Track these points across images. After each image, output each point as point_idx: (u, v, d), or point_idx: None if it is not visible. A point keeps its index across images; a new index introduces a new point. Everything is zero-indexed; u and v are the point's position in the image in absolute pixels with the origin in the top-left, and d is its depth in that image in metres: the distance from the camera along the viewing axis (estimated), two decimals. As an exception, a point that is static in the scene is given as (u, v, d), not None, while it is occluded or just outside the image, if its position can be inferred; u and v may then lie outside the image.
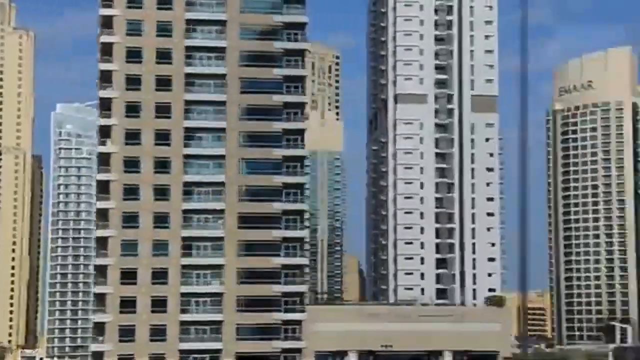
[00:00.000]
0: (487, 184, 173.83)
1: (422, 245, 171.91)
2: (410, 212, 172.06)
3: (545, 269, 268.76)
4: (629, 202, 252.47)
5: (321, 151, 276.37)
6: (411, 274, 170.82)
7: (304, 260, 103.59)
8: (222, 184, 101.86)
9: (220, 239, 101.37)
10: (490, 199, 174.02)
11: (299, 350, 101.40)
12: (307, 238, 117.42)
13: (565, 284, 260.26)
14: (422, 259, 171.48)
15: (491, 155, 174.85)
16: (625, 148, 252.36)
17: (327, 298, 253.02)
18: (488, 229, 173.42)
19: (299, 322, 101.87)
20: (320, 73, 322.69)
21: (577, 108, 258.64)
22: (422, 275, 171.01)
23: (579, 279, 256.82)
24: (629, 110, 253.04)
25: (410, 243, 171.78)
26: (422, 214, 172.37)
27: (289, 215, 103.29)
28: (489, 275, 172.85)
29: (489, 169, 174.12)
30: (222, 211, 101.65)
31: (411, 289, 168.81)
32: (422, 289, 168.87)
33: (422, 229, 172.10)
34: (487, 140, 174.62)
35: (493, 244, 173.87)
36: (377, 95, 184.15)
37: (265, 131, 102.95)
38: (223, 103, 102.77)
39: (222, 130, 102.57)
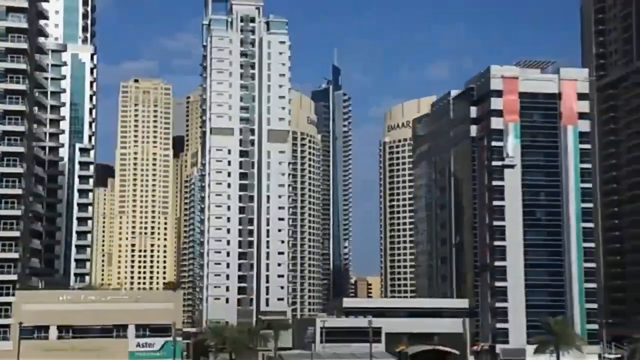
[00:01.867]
0: (279, 196, 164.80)
1: (228, 242, 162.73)
2: (220, 217, 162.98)
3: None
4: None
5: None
6: (220, 264, 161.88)
7: (16, 255, 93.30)
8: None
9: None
10: (281, 208, 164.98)
11: (7, 326, 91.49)
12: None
13: (389, 270, 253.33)
14: (227, 252, 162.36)
15: (282, 174, 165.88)
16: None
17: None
18: (279, 230, 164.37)
19: (9, 304, 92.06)
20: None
21: (399, 141, 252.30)
22: (228, 264, 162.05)
23: (398, 266, 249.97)
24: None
25: (220, 240, 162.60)
26: (228, 218, 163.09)
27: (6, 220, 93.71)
28: (279, 265, 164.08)
29: (281, 185, 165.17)
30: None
31: (219, 275, 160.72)
32: (227, 275, 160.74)
33: (228, 230, 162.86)
34: (279, 163, 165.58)
35: (283, 241, 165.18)
36: (202, 128, 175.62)
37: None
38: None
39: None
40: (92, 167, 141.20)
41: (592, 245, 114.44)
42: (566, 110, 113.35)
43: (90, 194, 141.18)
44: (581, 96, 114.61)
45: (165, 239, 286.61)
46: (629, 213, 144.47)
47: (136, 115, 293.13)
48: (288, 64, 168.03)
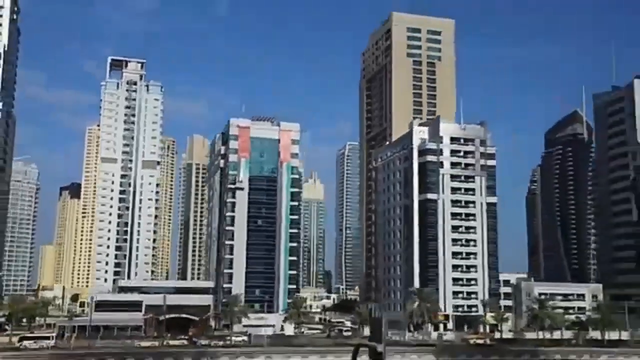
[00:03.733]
0: (148, 207, 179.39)
1: (108, 239, 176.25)
2: (103, 221, 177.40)
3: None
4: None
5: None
6: (100, 254, 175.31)
7: None
8: None
9: None
10: (150, 215, 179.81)
11: None
12: None
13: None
14: (107, 246, 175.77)
15: (152, 191, 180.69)
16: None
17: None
18: (147, 231, 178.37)
19: None
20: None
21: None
22: (107, 254, 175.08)
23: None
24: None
25: (102, 237, 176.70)
26: (109, 221, 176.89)
27: None
28: (145, 255, 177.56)
29: (150, 199, 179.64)
30: None
31: (100, 262, 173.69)
32: (107, 262, 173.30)
33: (109, 230, 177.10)
34: (149, 184, 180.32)
35: (149, 239, 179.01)
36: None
37: None
38: None
39: None
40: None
41: (295, 244, 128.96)
42: (283, 151, 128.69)
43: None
44: (294, 141, 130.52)
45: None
46: (380, 223, 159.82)
47: (97, 147, 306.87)
48: (160, 114, 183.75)
